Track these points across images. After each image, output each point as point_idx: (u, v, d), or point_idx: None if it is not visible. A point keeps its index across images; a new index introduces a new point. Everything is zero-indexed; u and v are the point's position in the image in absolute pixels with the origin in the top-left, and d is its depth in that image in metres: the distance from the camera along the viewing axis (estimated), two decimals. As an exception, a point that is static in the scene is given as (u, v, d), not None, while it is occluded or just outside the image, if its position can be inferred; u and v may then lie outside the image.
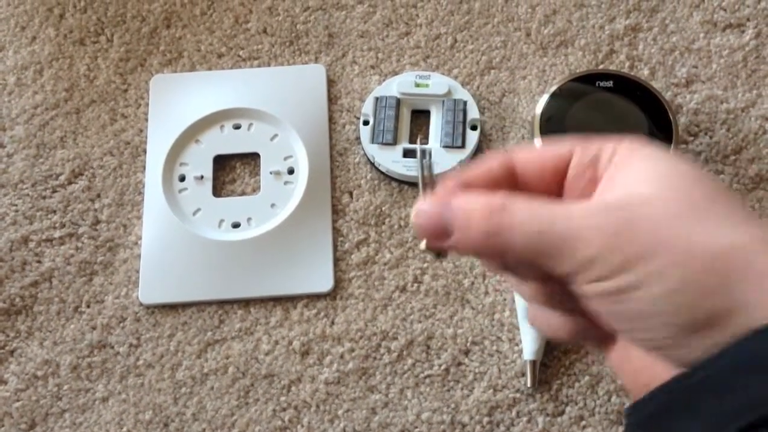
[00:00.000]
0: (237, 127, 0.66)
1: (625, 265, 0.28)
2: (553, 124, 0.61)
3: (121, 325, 0.61)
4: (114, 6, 0.71)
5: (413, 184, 0.64)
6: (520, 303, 0.59)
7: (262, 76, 0.68)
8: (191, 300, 0.61)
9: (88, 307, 0.61)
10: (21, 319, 0.61)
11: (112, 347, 0.60)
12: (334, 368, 0.59)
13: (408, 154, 0.64)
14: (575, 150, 0.33)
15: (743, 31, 0.69)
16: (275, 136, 0.66)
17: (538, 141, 0.61)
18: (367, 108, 0.65)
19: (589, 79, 0.63)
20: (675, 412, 0.29)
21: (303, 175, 0.64)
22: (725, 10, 0.69)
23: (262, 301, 0.61)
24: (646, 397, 0.30)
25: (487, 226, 0.31)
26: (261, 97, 0.67)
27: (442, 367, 0.58)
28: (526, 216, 0.30)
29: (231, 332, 0.60)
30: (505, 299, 0.60)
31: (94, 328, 0.61)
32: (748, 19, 0.69)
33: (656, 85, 0.66)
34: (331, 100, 0.68)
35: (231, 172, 0.66)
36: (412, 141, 0.65)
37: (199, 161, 0.65)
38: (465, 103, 0.65)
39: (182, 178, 0.65)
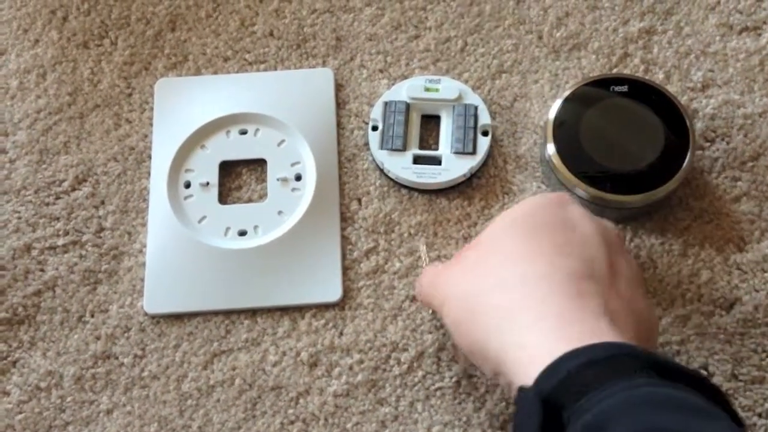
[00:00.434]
0: (243, 132, 0.65)
1: None
2: (566, 129, 0.60)
3: (126, 335, 0.59)
4: (118, 9, 0.70)
5: (423, 191, 0.63)
6: None
7: (269, 80, 0.67)
8: (197, 310, 0.60)
9: (92, 316, 0.60)
10: (24, 329, 0.60)
11: (117, 358, 0.59)
12: (343, 380, 0.57)
13: (418, 160, 0.62)
14: None
15: (760, 34, 0.67)
16: (282, 141, 0.65)
17: (551, 146, 0.59)
18: (376, 113, 0.64)
19: (603, 83, 0.61)
20: None
21: (311, 182, 0.63)
22: (741, 12, 0.68)
23: (270, 311, 0.60)
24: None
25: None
26: (268, 102, 0.66)
27: (454, 380, 0.57)
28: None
29: (238, 343, 0.59)
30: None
31: (98, 338, 0.59)
32: (765, 22, 0.68)
33: (671, 89, 0.64)
34: (339, 104, 0.66)
35: (237, 178, 0.65)
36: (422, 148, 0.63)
37: (204, 167, 0.64)
38: (476, 108, 0.64)
39: (188, 185, 0.63)
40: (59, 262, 0.62)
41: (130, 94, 0.67)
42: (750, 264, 0.59)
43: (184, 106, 0.66)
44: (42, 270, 0.61)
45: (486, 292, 0.45)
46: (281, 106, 0.65)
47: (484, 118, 0.64)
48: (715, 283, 0.59)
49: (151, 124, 0.66)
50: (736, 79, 0.66)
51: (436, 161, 0.62)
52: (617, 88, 0.61)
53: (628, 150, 0.59)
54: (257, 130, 0.65)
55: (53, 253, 0.62)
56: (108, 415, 0.57)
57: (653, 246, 0.60)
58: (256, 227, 0.62)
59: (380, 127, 0.64)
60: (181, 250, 0.61)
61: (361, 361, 0.58)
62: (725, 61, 0.66)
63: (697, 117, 0.64)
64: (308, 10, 0.70)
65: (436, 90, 0.64)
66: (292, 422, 0.57)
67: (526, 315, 0.42)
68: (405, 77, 0.67)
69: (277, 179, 0.63)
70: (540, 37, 0.68)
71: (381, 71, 0.67)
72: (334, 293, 0.60)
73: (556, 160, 0.59)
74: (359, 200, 0.63)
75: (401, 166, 0.62)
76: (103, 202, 0.64)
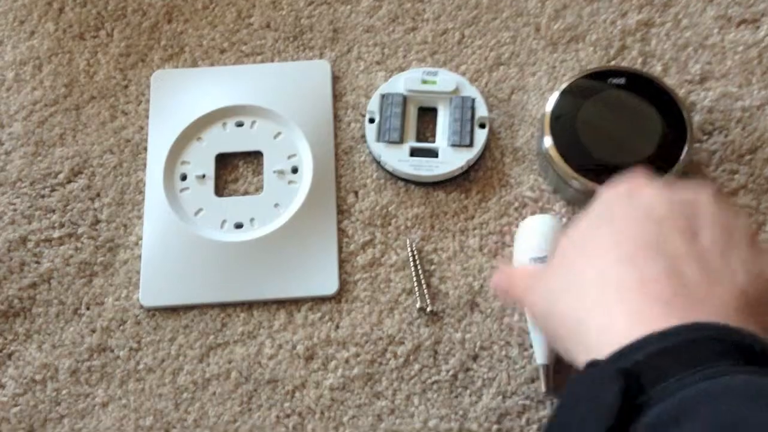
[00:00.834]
0: (240, 124, 0.65)
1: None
2: (563, 122, 0.60)
3: (122, 328, 0.59)
4: (114, 0, 0.70)
5: (420, 184, 0.62)
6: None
7: (266, 72, 0.67)
8: (193, 303, 0.60)
9: (88, 309, 0.60)
10: (19, 321, 0.60)
11: (112, 351, 0.59)
12: (339, 373, 0.57)
13: (415, 152, 0.62)
14: None
15: (758, 27, 0.67)
16: (279, 134, 0.64)
17: (548, 139, 0.59)
18: (373, 105, 0.64)
19: (600, 75, 0.61)
20: None
21: (307, 175, 0.63)
22: (739, 5, 0.68)
23: (266, 304, 0.59)
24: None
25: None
26: (264, 94, 0.65)
27: (450, 373, 0.57)
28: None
29: (233, 336, 0.59)
30: (514, 303, 0.58)
31: (93, 331, 0.59)
32: (763, 15, 0.67)
33: (669, 81, 0.64)
34: (336, 97, 0.66)
35: (233, 171, 0.64)
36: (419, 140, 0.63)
37: (200, 160, 0.64)
38: (473, 100, 0.63)
39: (184, 177, 0.63)
40: (55, 255, 0.61)
41: (126, 86, 0.67)
42: (747, 257, 0.59)
43: (180, 98, 0.66)
44: (37, 262, 0.61)
45: (566, 290, 0.44)
46: (278, 99, 0.65)
47: (482, 111, 0.63)
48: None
49: (147, 116, 0.66)
50: (734, 72, 0.65)
51: (433, 154, 0.62)
52: (615, 81, 0.60)
53: (626, 143, 0.59)
54: (254, 122, 0.65)
55: (49, 246, 0.62)
56: (103, 408, 0.57)
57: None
58: (252, 220, 0.62)
59: (377, 119, 0.63)
60: (177, 243, 0.61)
61: (358, 355, 0.58)
62: (723, 54, 0.66)
63: (695, 109, 0.64)
64: (305, 1, 0.69)
65: (434, 82, 0.64)
66: (288, 415, 0.56)
67: (606, 300, 0.41)
68: (402, 69, 0.67)
69: (274, 172, 0.63)
70: (537, 29, 0.68)
71: (378, 63, 0.67)
72: (330, 286, 0.59)
73: (554, 153, 0.59)
74: (356, 193, 0.63)
75: (398, 159, 0.62)
76: (98, 195, 0.63)
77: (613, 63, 0.66)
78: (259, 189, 0.63)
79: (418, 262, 0.60)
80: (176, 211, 0.62)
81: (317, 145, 0.63)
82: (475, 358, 0.57)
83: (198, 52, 0.68)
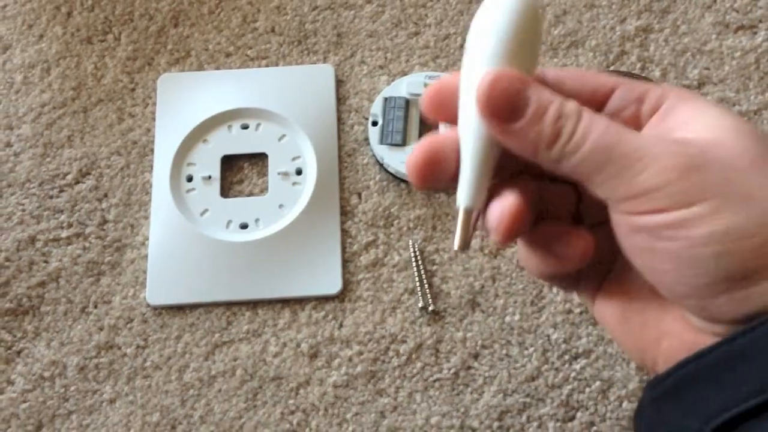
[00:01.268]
0: (245, 127, 0.66)
1: (687, 200, 0.27)
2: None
3: (129, 326, 0.60)
4: (122, 4, 0.71)
5: (422, 186, 0.63)
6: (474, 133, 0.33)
7: (270, 76, 0.68)
8: (199, 301, 0.61)
9: (96, 307, 0.61)
10: (28, 319, 0.61)
11: (120, 348, 0.60)
12: (343, 371, 0.58)
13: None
14: (620, 84, 0.32)
15: (755, 33, 0.68)
16: (283, 136, 0.65)
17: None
18: (376, 108, 0.65)
19: (600, 80, 0.62)
20: (702, 381, 0.28)
21: (311, 176, 0.64)
22: (737, 11, 0.69)
23: (270, 302, 0.60)
24: (677, 365, 0.29)
25: (554, 129, 0.29)
26: (269, 97, 0.66)
27: (452, 371, 0.58)
28: (602, 127, 0.29)
29: (239, 334, 0.60)
30: (515, 302, 0.59)
31: (101, 329, 0.60)
32: (761, 21, 0.68)
33: (667, 86, 0.65)
34: (340, 100, 0.67)
35: (239, 172, 0.65)
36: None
37: (206, 161, 0.65)
38: (475, 104, 0.64)
39: (190, 179, 0.64)
40: (63, 254, 0.62)
41: (133, 89, 0.68)
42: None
43: (186, 101, 0.67)
44: (46, 261, 0.62)
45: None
46: (282, 102, 0.66)
47: (483, 114, 0.64)
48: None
49: (154, 119, 0.67)
50: (732, 77, 0.66)
51: (435, 156, 0.63)
52: (614, 85, 0.61)
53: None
54: (258, 124, 0.66)
55: (57, 245, 0.63)
56: (111, 405, 0.58)
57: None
58: (257, 220, 0.63)
59: (380, 122, 0.65)
60: (183, 243, 0.62)
61: (361, 353, 0.59)
62: (721, 59, 0.67)
63: (693, 114, 0.65)
64: (309, 6, 0.70)
65: (436, 86, 0.65)
66: (292, 412, 0.57)
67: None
68: (405, 73, 0.68)
69: (278, 173, 0.64)
70: (538, 35, 0.69)
71: (381, 67, 0.68)
72: (334, 286, 0.60)
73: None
74: (359, 194, 0.64)
75: (401, 161, 0.63)
76: (106, 195, 0.64)
77: (612, 68, 0.67)
78: (264, 190, 0.64)
79: (420, 262, 0.61)
80: (182, 212, 0.63)
81: (321, 148, 0.65)
82: (476, 356, 0.58)
83: (204, 55, 0.69)
